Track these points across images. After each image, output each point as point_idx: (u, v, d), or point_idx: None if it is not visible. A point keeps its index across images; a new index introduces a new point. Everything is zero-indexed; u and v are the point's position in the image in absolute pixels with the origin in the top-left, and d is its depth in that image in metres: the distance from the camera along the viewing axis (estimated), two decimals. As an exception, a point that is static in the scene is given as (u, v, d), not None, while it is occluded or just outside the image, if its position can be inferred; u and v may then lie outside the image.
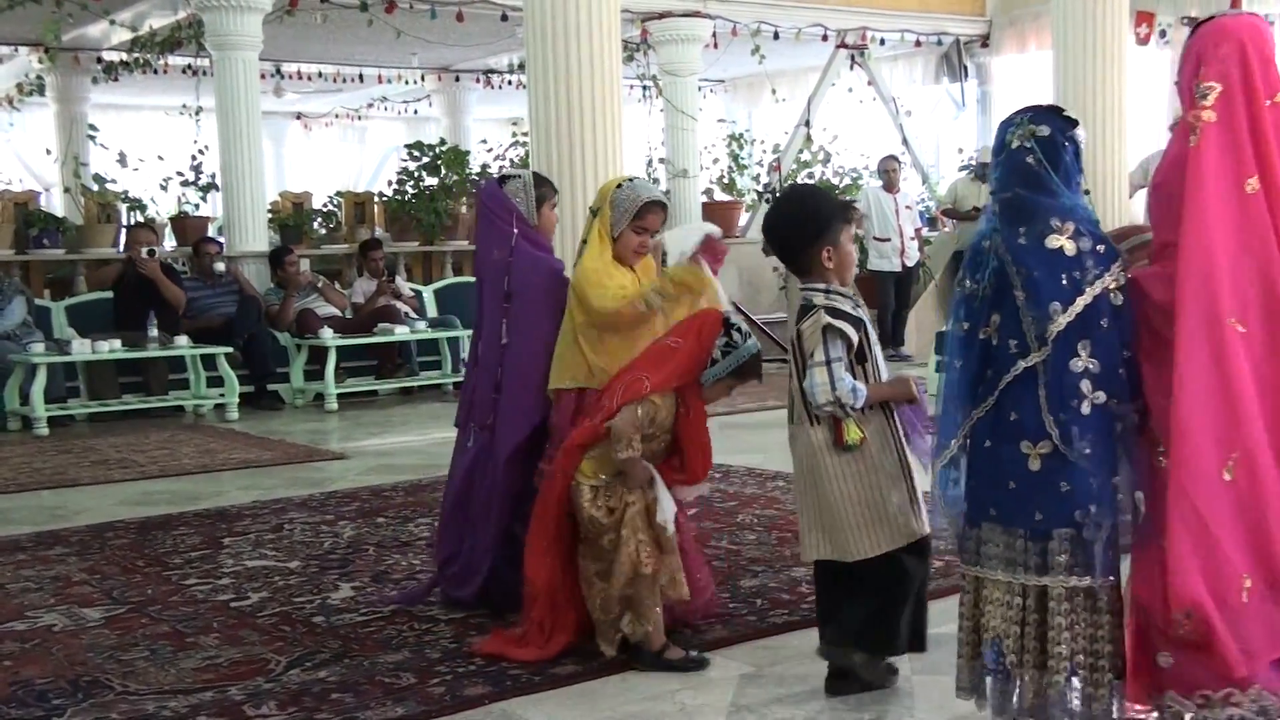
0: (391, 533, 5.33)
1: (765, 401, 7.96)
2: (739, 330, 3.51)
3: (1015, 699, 2.81)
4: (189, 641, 3.92)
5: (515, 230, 4.09)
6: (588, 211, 4.01)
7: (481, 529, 4.10)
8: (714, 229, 3.81)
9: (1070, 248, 2.69)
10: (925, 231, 11.88)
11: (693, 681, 3.42)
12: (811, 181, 12.76)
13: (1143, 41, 11.14)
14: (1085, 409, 2.67)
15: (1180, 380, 2.51)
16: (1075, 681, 2.76)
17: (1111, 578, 2.75)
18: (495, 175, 4.39)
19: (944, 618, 3.42)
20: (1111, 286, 2.69)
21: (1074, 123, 2.84)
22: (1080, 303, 2.67)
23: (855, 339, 3.17)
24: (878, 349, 3.28)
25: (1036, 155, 2.76)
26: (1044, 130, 2.78)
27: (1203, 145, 2.51)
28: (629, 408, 3.45)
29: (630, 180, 4.02)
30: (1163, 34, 11.49)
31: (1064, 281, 2.68)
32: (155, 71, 12.42)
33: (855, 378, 3.15)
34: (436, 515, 5.57)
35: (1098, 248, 2.71)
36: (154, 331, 8.99)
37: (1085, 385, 2.67)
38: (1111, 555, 2.74)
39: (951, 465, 2.87)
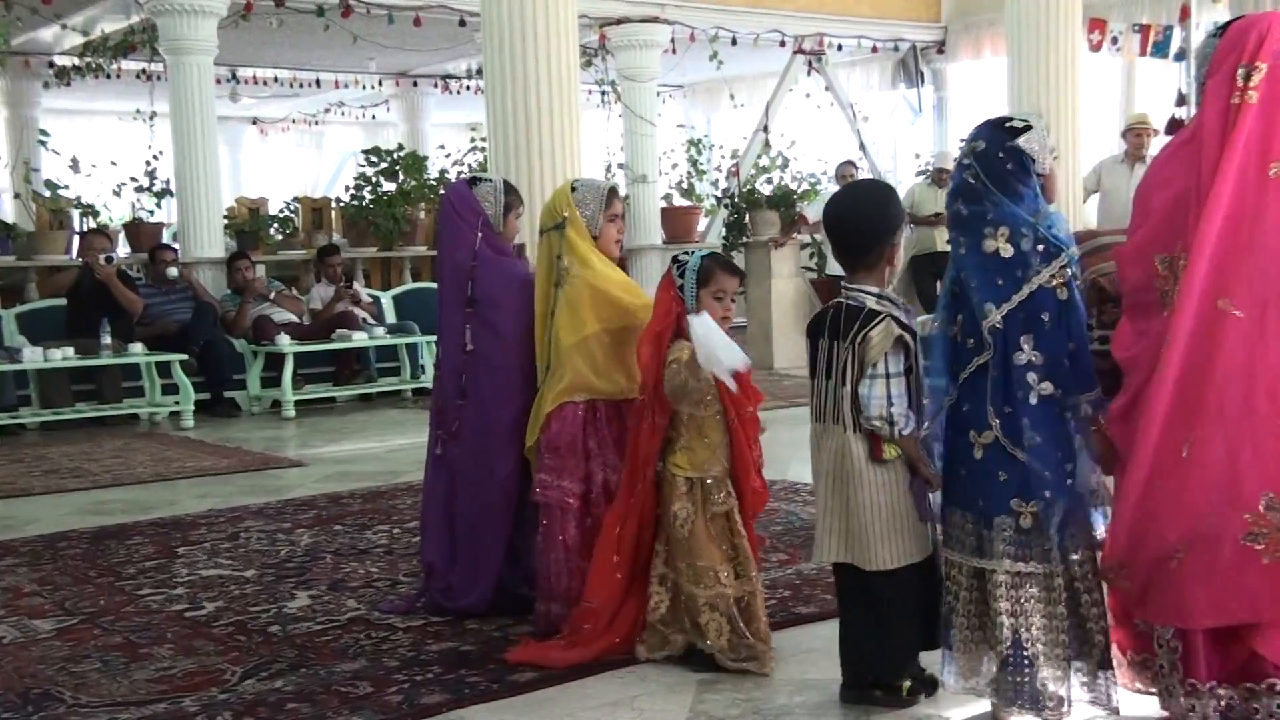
0: (349, 540, 5.29)
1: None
2: (683, 253, 3.58)
3: (969, 678, 2.94)
4: (142, 652, 3.87)
5: (479, 234, 4.05)
6: (545, 233, 3.88)
7: (479, 539, 4.05)
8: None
9: (1007, 250, 2.81)
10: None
11: (651, 688, 3.42)
12: (770, 187, 12.83)
13: (1095, 48, 11.26)
14: (1033, 400, 2.80)
15: (1168, 353, 2.59)
16: (1033, 667, 2.85)
17: (1049, 565, 2.82)
18: (464, 177, 4.34)
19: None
20: (1056, 282, 2.81)
21: (1020, 131, 2.89)
22: (1015, 299, 2.79)
23: (914, 351, 3.11)
24: (922, 361, 3.21)
25: (974, 170, 2.89)
26: (980, 145, 2.90)
27: (1241, 124, 2.57)
28: (669, 374, 3.43)
29: (574, 181, 4.02)
30: (1114, 41, 11.62)
31: (999, 282, 2.82)
32: (108, 76, 12.29)
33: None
34: (395, 522, 5.57)
35: (1039, 247, 2.81)
36: (107, 339, 8.88)
37: (1031, 377, 2.80)
38: (1056, 544, 2.81)
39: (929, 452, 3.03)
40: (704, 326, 3.33)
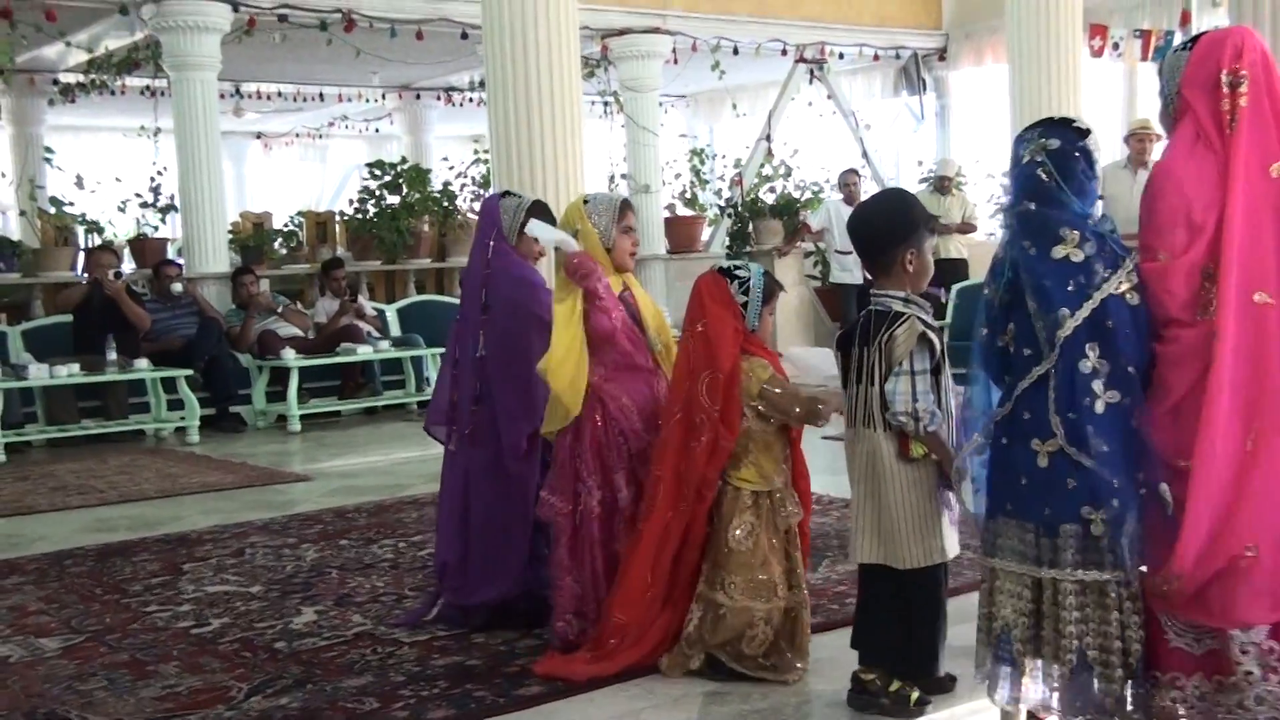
0: (355, 555, 5.29)
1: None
2: (735, 268, 3.56)
3: (1027, 688, 2.90)
4: (149, 670, 3.87)
5: (491, 244, 4.13)
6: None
7: (498, 537, 4.07)
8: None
9: (1078, 255, 2.79)
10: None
11: (657, 700, 3.41)
12: (773, 196, 12.84)
13: (1096, 54, 11.26)
14: (1099, 408, 2.75)
15: (1218, 351, 2.63)
16: (1091, 674, 2.82)
17: (1120, 573, 2.79)
18: (500, 190, 4.47)
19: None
20: (1123, 288, 2.77)
21: (1086, 133, 2.92)
22: (1088, 307, 2.76)
23: (939, 351, 3.20)
24: (948, 363, 3.29)
25: (1048, 169, 2.86)
26: (1054, 144, 2.87)
27: (1240, 129, 2.69)
28: (778, 397, 3.47)
29: (586, 195, 4.03)
30: (1116, 46, 11.63)
31: (1070, 288, 2.77)
32: (112, 93, 12.34)
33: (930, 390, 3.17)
34: (401, 536, 5.57)
35: (1104, 252, 2.79)
36: (113, 355, 8.89)
37: (1097, 385, 2.75)
38: (1127, 551, 2.77)
39: (973, 464, 2.98)
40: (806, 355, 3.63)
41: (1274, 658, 2.69)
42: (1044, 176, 2.86)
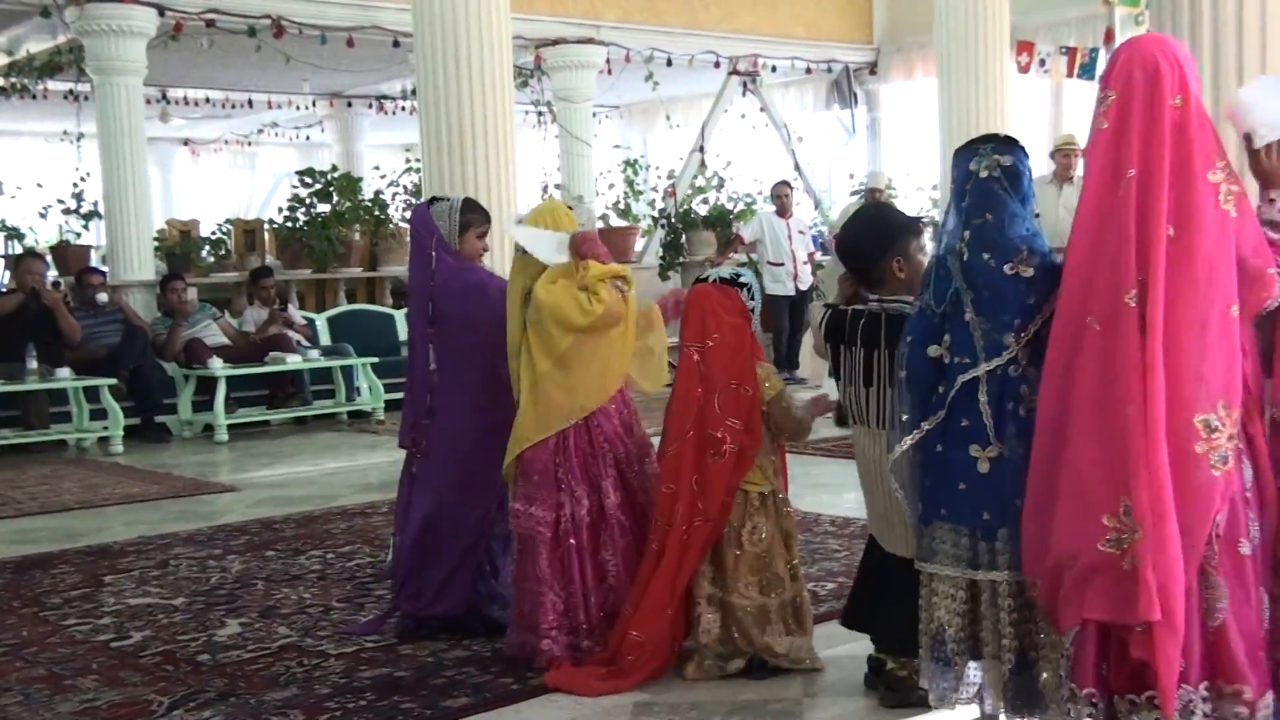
0: (282, 566, 5.21)
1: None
2: (737, 276, 3.70)
3: (964, 688, 2.97)
4: (66, 684, 3.79)
5: (434, 253, 4.07)
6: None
7: (453, 551, 4.04)
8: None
9: (1027, 271, 2.89)
10: (818, 256, 12.04)
11: (586, 711, 3.40)
12: (706, 207, 12.89)
13: (1023, 70, 11.44)
14: (1022, 412, 2.86)
15: (1047, 372, 2.73)
16: (1031, 672, 2.89)
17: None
18: (427, 198, 4.42)
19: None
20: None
21: (1025, 151, 3.04)
22: (1039, 319, 2.85)
23: None
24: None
25: (1003, 184, 2.96)
26: (1007, 160, 2.99)
27: (1097, 142, 2.71)
28: (782, 412, 3.59)
29: (569, 204, 4.03)
30: (1042, 63, 11.82)
31: (1030, 300, 2.87)
32: (34, 96, 12.08)
33: None
34: (329, 547, 5.51)
35: (1045, 266, 2.90)
36: (33, 363, 8.70)
37: (1024, 389, 2.86)
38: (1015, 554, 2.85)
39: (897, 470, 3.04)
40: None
41: (1070, 663, 2.72)
42: (1000, 191, 2.95)
